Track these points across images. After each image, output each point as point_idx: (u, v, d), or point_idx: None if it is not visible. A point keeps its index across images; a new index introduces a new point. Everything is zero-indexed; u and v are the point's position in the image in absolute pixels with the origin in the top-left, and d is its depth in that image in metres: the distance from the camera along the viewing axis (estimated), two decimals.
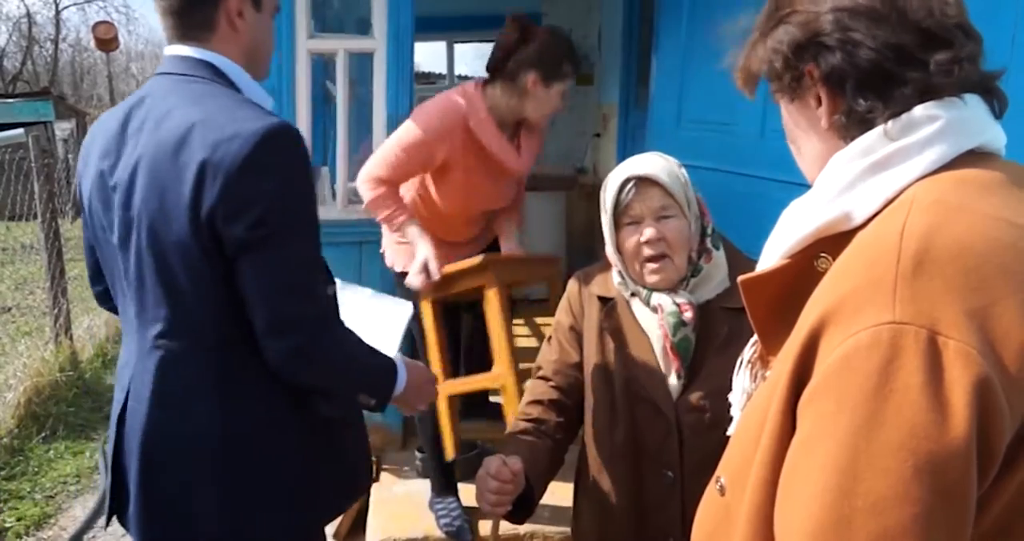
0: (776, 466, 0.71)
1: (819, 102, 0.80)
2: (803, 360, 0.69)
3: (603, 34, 5.50)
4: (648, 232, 1.38)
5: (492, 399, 3.11)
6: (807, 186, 0.86)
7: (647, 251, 1.39)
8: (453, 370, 2.47)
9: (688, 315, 1.39)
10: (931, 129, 0.73)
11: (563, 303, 1.61)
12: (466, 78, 10.81)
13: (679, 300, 1.39)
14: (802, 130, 0.84)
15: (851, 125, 0.77)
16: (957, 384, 0.60)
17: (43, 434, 3.69)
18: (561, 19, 5.74)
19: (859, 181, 0.75)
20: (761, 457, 0.73)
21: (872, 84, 0.75)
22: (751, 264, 1.45)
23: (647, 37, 4.48)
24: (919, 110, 0.74)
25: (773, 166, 2.44)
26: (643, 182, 1.39)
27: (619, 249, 1.44)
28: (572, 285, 1.60)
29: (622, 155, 4.86)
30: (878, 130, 0.75)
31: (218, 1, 1.31)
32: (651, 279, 1.40)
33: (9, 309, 5.94)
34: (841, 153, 0.77)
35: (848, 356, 0.64)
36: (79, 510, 3.15)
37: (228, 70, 1.34)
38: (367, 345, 1.37)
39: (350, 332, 1.34)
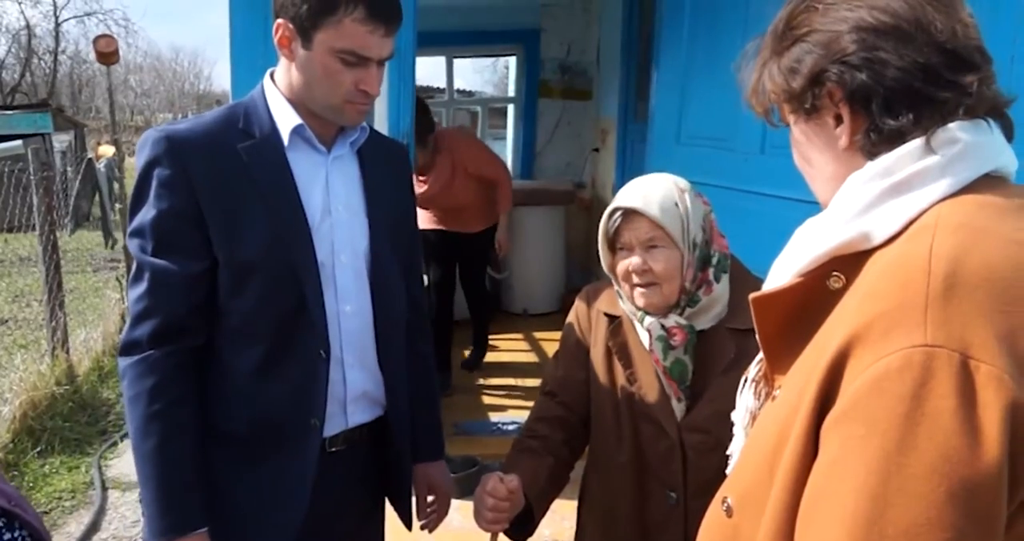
0: (797, 490, 0.70)
1: (837, 121, 0.79)
2: (828, 382, 0.68)
3: (601, 49, 5.53)
4: (634, 261, 1.39)
5: None
6: (808, 202, 0.86)
7: (635, 278, 1.40)
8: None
9: (677, 339, 1.38)
10: (952, 151, 0.73)
11: (571, 318, 1.60)
12: (466, 93, 10.84)
13: (668, 324, 1.39)
14: (817, 150, 0.83)
15: (874, 144, 0.76)
16: (990, 408, 0.60)
17: (38, 448, 3.65)
18: (560, 34, 5.78)
19: (879, 202, 0.74)
20: (782, 480, 0.72)
21: (899, 103, 0.74)
22: (760, 285, 1.45)
23: (645, 52, 4.50)
24: (940, 132, 0.73)
25: (774, 182, 2.45)
26: (630, 212, 1.39)
27: (613, 271, 1.45)
28: (580, 301, 1.59)
29: (620, 169, 4.87)
30: (898, 151, 0.75)
31: (271, 26, 1.33)
32: (640, 301, 1.41)
33: (5, 321, 5.91)
34: (858, 174, 0.77)
35: (878, 379, 0.63)
36: (73, 526, 3.12)
37: (267, 91, 1.40)
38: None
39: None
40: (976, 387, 0.60)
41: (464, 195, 4.07)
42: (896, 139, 0.75)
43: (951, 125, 0.73)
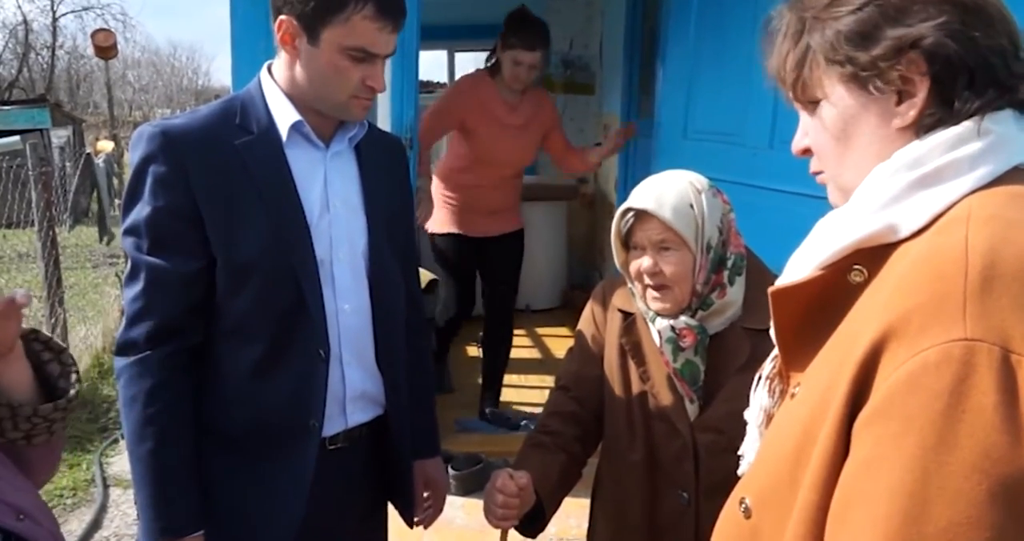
0: (827, 489, 0.68)
1: (899, 98, 0.75)
2: (860, 379, 0.66)
3: (604, 43, 5.50)
4: (645, 263, 1.37)
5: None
6: (817, 197, 0.83)
7: (646, 280, 1.38)
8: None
9: (687, 341, 1.36)
10: (984, 142, 0.71)
11: (586, 313, 1.59)
12: None
13: (678, 325, 1.37)
14: (869, 127, 0.77)
15: (937, 121, 0.73)
16: None
17: None
18: (563, 28, 5.74)
19: (907, 194, 0.72)
20: (811, 480, 0.70)
21: (981, 83, 0.72)
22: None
23: (649, 46, 4.47)
24: (974, 122, 0.72)
25: (783, 177, 2.42)
26: (642, 213, 1.36)
27: (626, 269, 1.44)
28: (595, 296, 1.58)
29: (623, 165, 4.84)
30: (929, 142, 0.73)
31: (273, 21, 1.32)
32: (653, 305, 1.40)
33: None
34: (884, 164, 0.75)
35: (915, 374, 0.61)
36: (75, 524, 3.10)
37: (265, 86, 1.38)
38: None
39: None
40: (1018, 382, 0.59)
41: (522, 154, 3.48)
42: (950, 121, 0.73)
43: (982, 117, 0.71)
